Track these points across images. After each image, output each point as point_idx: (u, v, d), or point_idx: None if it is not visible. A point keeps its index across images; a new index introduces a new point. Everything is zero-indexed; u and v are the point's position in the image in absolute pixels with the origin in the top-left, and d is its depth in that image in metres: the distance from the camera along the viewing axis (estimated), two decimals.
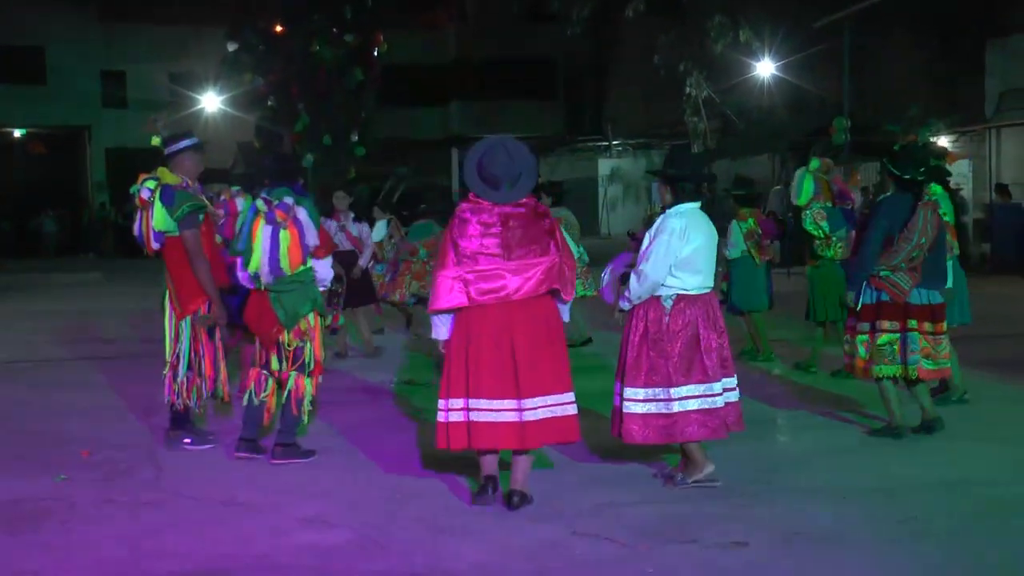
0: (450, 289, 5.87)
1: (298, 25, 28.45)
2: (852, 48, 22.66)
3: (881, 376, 7.41)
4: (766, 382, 10.04)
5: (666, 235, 6.18)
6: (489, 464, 6.07)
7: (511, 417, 5.85)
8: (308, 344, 7.10)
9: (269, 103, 29.06)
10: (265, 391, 7.12)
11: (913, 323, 7.29)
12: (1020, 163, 25.58)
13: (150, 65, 40.57)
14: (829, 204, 9.95)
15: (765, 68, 28.77)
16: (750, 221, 10.90)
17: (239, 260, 7.03)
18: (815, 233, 9.95)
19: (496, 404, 5.84)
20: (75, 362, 12.10)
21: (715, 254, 6.42)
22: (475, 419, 5.88)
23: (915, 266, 7.24)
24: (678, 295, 6.22)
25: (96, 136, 42.27)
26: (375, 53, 29.60)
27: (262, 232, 6.87)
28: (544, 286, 5.89)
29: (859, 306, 7.45)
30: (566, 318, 6.13)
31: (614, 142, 36.05)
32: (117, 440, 7.92)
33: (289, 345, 7.05)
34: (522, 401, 5.84)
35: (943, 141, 25.12)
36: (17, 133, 43.43)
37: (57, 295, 21.23)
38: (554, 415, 5.91)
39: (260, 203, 6.98)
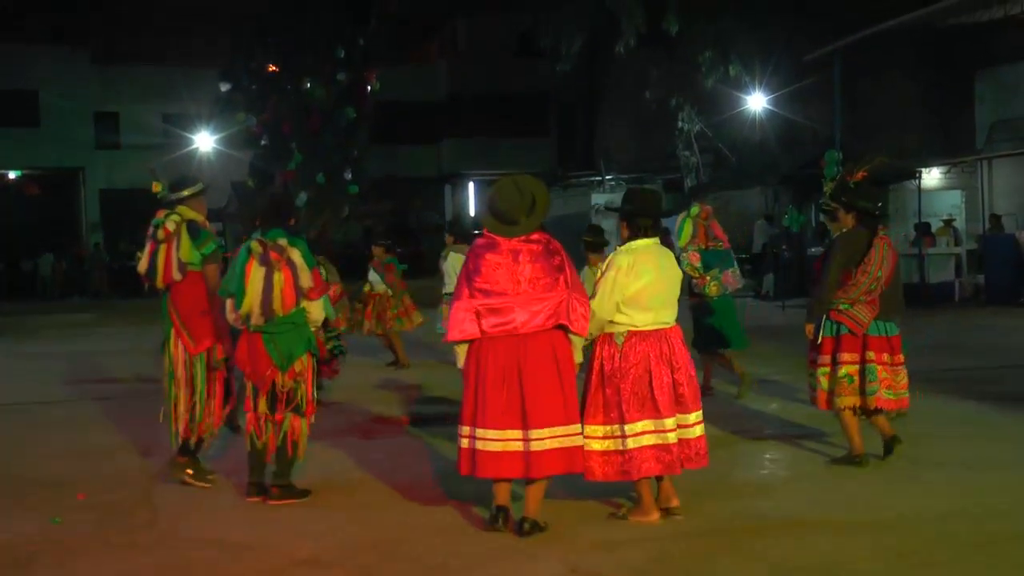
0: (463, 320, 6.04)
1: (290, 64, 28.57)
2: (843, 81, 22.78)
3: (842, 407, 7.53)
4: (741, 412, 10.02)
5: (612, 271, 6.28)
6: (502, 495, 6.14)
7: (516, 447, 5.96)
8: (301, 385, 7.11)
9: (262, 142, 29.14)
10: (266, 434, 7.11)
11: (871, 355, 7.45)
12: (1012, 193, 25.71)
13: (143, 106, 40.72)
14: (702, 247, 10.66)
15: (756, 102, 28.91)
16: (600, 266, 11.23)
17: (230, 302, 7.03)
18: (691, 273, 10.46)
19: (500, 435, 5.96)
20: (70, 403, 12.05)
21: (674, 289, 6.44)
22: (480, 448, 6.02)
23: (873, 299, 7.39)
24: (629, 331, 6.27)
25: (90, 177, 42.35)
26: (367, 91, 29.72)
27: (255, 274, 6.92)
28: (551, 320, 6.01)
29: (819, 339, 7.57)
30: (579, 359, 6.20)
31: (607, 176, 36.07)
32: (113, 481, 7.89)
33: (283, 386, 7.05)
34: (528, 431, 5.95)
35: (935, 173, 25.26)
36: (12, 175, 43.53)
37: (51, 336, 21.17)
38: (561, 446, 6.02)
39: (254, 244, 7.00)
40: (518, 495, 6.28)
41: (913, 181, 23.46)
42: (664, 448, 6.20)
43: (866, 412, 7.59)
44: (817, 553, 5.77)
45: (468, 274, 6.11)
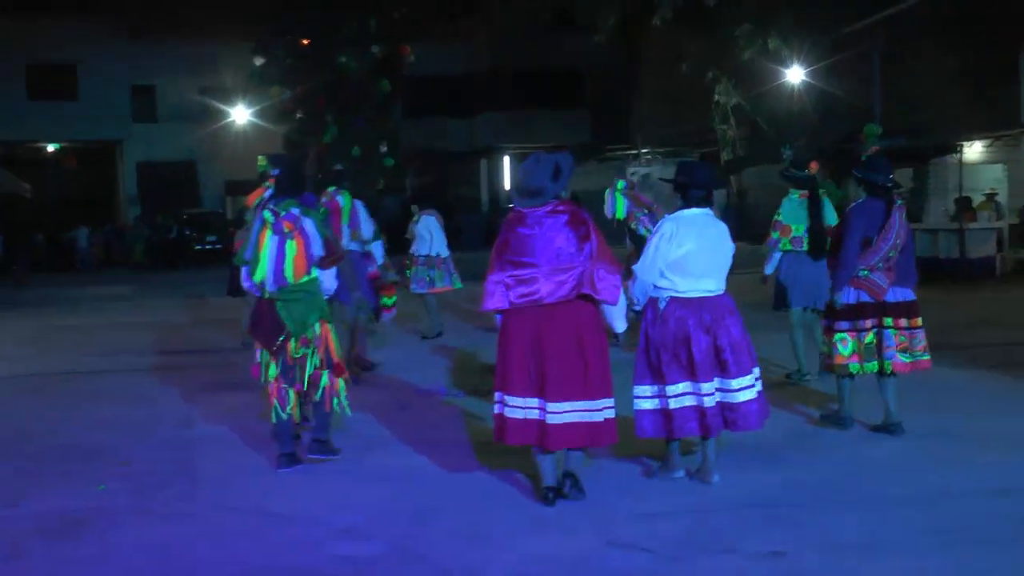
0: (493, 293, 6.18)
1: (325, 38, 28.54)
2: (883, 53, 22.55)
3: (855, 373, 7.79)
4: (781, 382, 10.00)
5: (656, 238, 6.53)
6: (549, 474, 6.24)
7: (535, 415, 6.10)
8: (316, 352, 7.18)
9: (297, 115, 29.17)
10: (289, 404, 7.19)
11: (888, 320, 7.66)
12: None
13: (180, 79, 40.91)
14: (646, 210, 11.77)
15: (794, 75, 28.68)
16: None
17: (245, 269, 7.21)
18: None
19: (523, 402, 6.11)
20: (112, 374, 12.18)
21: (720, 259, 6.58)
22: (507, 414, 6.18)
23: (890, 266, 7.62)
24: (671, 297, 6.49)
25: (127, 150, 42.62)
26: (402, 64, 29.66)
27: (268, 242, 7.08)
28: (575, 291, 6.08)
29: (839, 306, 7.77)
30: (621, 327, 6.37)
31: (643, 150, 35.96)
32: (155, 451, 8.01)
33: (296, 353, 7.13)
34: (546, 403, 6.07)
35: (976, 147, 25.00)
36: (50, 148, 43.87)
37: (91, 308, 21.40)
38: (581, 420, 6.08)
39: (267, 213, 7.14)
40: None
41: (954, 155, 23.24)
42: (702, 411, 6.42)
43: (882, 375, 7.79)
44: (859, 528, 5.76)
45: (499, 247, 6.24)
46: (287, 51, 29.22)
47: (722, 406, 6.48)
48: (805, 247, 9.82)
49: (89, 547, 5.79)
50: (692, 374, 6.40)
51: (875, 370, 7.72)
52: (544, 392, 6.06)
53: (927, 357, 7.84)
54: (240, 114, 37.21)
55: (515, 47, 41.25)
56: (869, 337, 7.68)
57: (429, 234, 13.85)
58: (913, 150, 25.38)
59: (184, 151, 41.46)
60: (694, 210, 6.58)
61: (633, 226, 11.89)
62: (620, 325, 6.34)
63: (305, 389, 7.19)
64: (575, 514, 6.08)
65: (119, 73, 41.28)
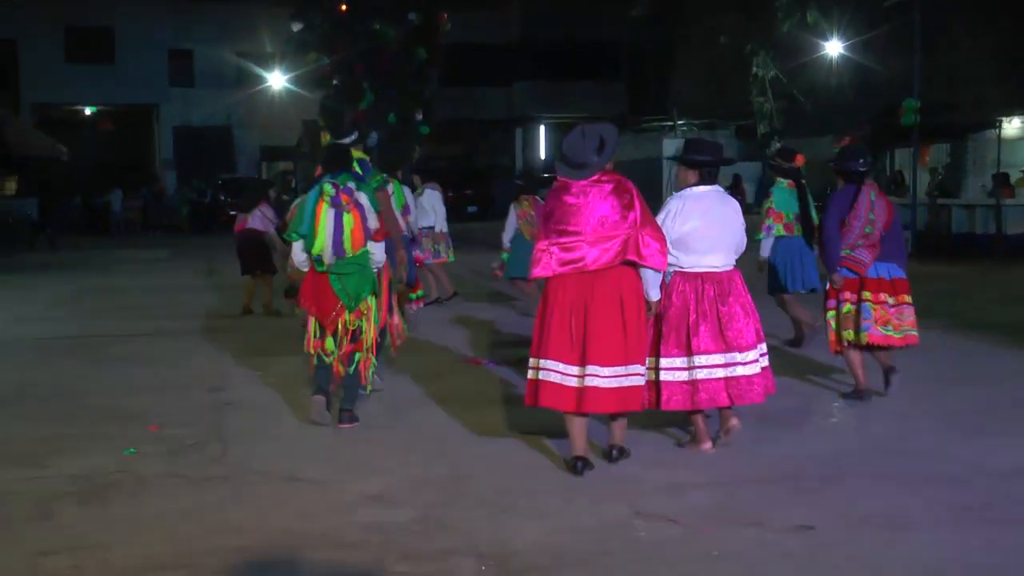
0: (539, 260, 6.29)
1: (362, 4, 28.47)
2: (923, 28, 22.24)
3: (845, 342, 8.10)
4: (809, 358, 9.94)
5: (661, 214, 6.66)
6: (580, 443, 6.29)
7: (572, 382, 6.16)
8: (366, 323, 7.49)
9: (334, 82, 29.12)
10: (331, 358, 7.50)
11: (867, 295, 7.99)
12: None
13: (217, 44, 40.93)
14: None
15: (833, 48, 28.38)
16: (524, 204, 12.85)
17: (298, 244, 7.44)
18: None
19: (561, 367, 6.18)
20: (145, 338, 12.25)
21: (726, 236, 6.69)
22: (543, 378, 6.24)
23: (872, 243, 7.91)
24: (675, 271, 6.66)
25: (164, 114, 42.74)
26: (439, 32, 29.56)
27: (326, 215, 7.28)
28: (620, 257, 6.16)
29: (837, 286, 8.08)
30: (655, 296, 6.36)
31: (679, 122, 35.75)
32: (184, 415, 8.04)
33: (351, 325, 7.43)
34: (585, 368, 6.13)
35: (1015, 122, 24.68)
36: (87, 111, 44.06)
37: (126, 271, 21.54)
38: (619, 385, 6.16)
39: (327, 186, 7.36)
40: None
41: (992, 130, 22.95)
42: (696, 383, 6.54)
43: (867, 347, 8.10)
44: (886, 503, 5.72)
45: (545, 216, 6.37)
46: (324, 17, 29.16)
47: (725, 380, 6.56)
48: (797, 231, 10.31)
49: (119, 509, 5.82)
50: (688, 348, 6.54)
51: (851, 337, 8.03)
52: (585, 357, 6.12)
53: (915, 332, 8.08)
54: (276, 80, 37.26)
55: (551, 16, 41.05)
56: (846, 307, 8.05)
57: (432, 209, 14.22)
58: (951, 126, 25.10)
59: (220, 116, 41.60)
60: (701, 187, 6.72)
61: None
62: (655, 294, 6.36)
63: (343, 363, 7.48)
64: (604, 484, 6.07)
65: (157, 37, 41.38)
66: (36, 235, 30.22)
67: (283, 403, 8.39)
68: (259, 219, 13.77)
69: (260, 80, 38.50)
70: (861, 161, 8.12)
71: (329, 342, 7.44)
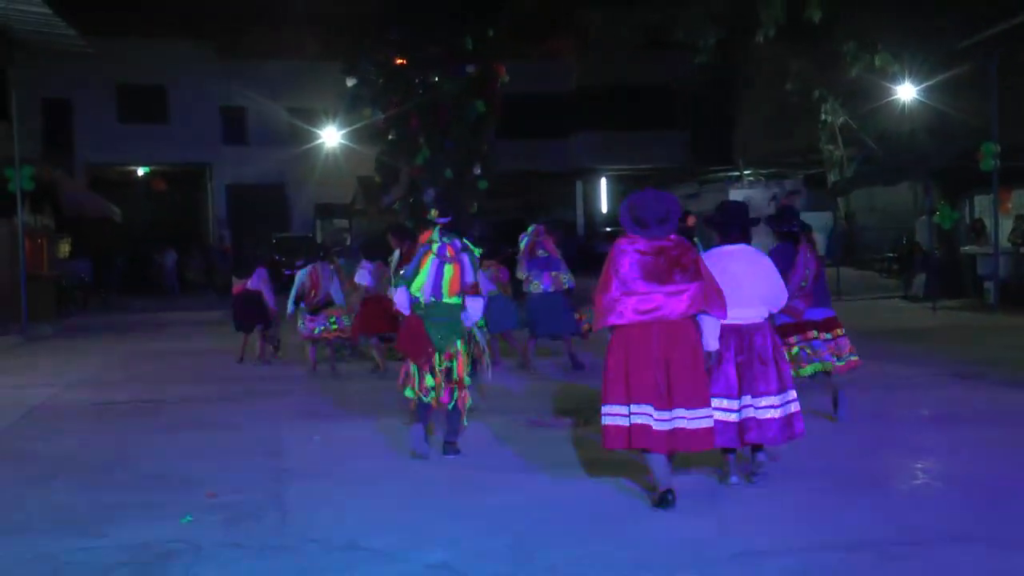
0: (612, 310, 6.97)
1: (417, 57, 28.74)
2: (1000, 67, 22.06)
3: (804, 375, 9.50)
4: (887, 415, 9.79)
5: None
6: (664, 479, 6.97)
7: (664, 426, 6.87)
8: (455, 366, 8.63)
9: (389, 137, 29.34)
10: (430, 397, 8.65)
11: (815, 332, 9.58)
12: None
13: (269, 101, 41.54)
14: (529, 258, 13.94)
15: (906, 92, 28.22)
16: (489, 271, 13.63)
17: (402, 288, 8.68)
18: (519, 275, 14.15)
19: (652, 411, 6.86)
20: (199, 402, 12.38)
21: (753, 289, 7.46)
22: (636, 422, 6.89)
23: (807, 293, 9.29)
24: None
25: (217, 173, 43.32)
26: (497, 84, 29.71)
27: (430, 263, 8.64)
28: (694, 307, 6.93)
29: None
30: (713, 346, 7.11)
31: (745, 172, 35.64)
32: (241, 482, 8.09)
33: (440, 365, 8.61)
34: (673, 411, 6.88)
35: None
36: (140, 171, 44.77)
37: (178, 333, 21.80)
38: (699, 427, 6.92)
39: (435, 244, 8.69)
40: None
41: None
42: (726, 424, 7.32)
43: (827, 374, 9.72)
44: (976, 571, 5.59)
45: (615, 269, 7.01)
46: (379, 71, 29.45)
47: (739, 423, 7.37)
48: None
49: None
50: (726, 392, 7.36)
51: (813, 372, 9.59)
52: (671, 401, 6.86)
53: (855, 357, 9.74)
54: (330, 136, 37.68)
55: (611, 64, 41.21)
56: (795, 350, 9.45)
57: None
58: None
59: (274, 174, 42.07)
60: (728, 246, 7.59)
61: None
62: (713, 344, 7.09)
63: (442, 398, 8.66)
64: (676, 550, 6.01)
65: (209, 95, 42.01)
66: (89, 297, 30.68)
67: (343, 468, 8.41)
68: (256, 281, 15.88)
69: (313, 136, 38.96)
70: (795, 223, 9.42)
71: (428, 379, 8.59)
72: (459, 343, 8.68)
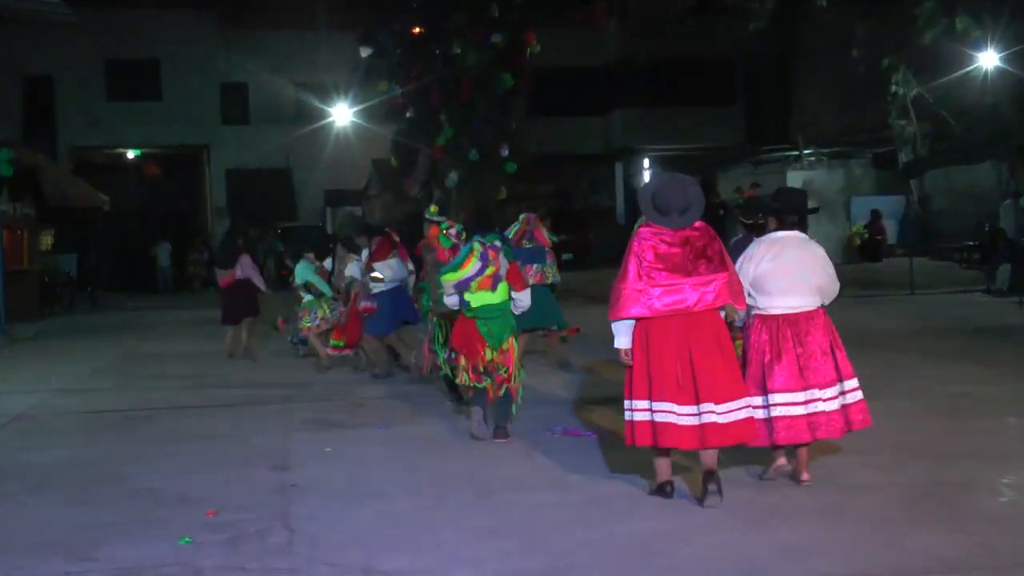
0: (635, 301, 7.39)
1: (439, 26, 28.69)
2: None
3: None
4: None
5: (740, 259, 7.97)
6: (664, 471, 7.60)
7: (691, 421, 7.29)
8: (506, 362, 9.85)
9: (407, 115, 29.30)
10: (484, 383, 9.88)
11: None
12: None
13: (273, 76, 41.30)
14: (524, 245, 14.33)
15: (988, 60, 28.03)
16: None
17: (456, 296, 9.89)
18: None
19: (677, 408, 7.30)
20: (197, 410, 12.46)
21: (803, 278, 7.83)
22: (659, 419, 7.36)
23: None
24: (755, 313, 7.92)
25: (216, 156, 43.29)
26: (526, 55, 29.62)
27: (472, 264, 9.77)
28: (719, 300, 7.42)
29: None
30: (740, 320, 7.71)
31: (805, 151, 35.47)
32: (245, 498, 8.15)
33: (496, 360, 9.80)
34: (700, 406, 7.29)
35: None
36: (131, 154, 44.77)
37: (176, 335, 21.91)
38: (734, 419, 7.36)
39: (476, 244, 9.89)
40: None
41: None
42: (772, 420, 7.69)
43: None
44: None
45: (637, 257, 7.44)
46: (396, 41, 29.40)
47: (806, 417, 7.69)
48: None
49: None
50: (764, 388, 7.72)
51: None
52: (698, 396, 7.28)
53: None
54: (341, 114, 37.51)
55: (655, 33, 41.00)
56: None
57: None
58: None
59: (278, 156, 41.99)
60: (780, 232, 7.96)
61: None
62: (740, 319, 7.70)
63: (495, 389, 9.85)
64: (735, 572, 6.01)
65: (207, 69, 41.96)
66: (76, 294, 30.89)
67: (356, 483, 8.46)
68: (245, 269, 16.95)
69: (323, 115, 38.77)
70: (760, 215, 9.26)
71: (482, 372, 9.81)
72: (513, 338, 9.96)
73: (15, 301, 22.80)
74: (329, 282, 15.67)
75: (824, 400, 7.73)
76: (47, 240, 32.77)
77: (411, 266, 14.25)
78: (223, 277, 17.24)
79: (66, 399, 13.52)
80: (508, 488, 8.21)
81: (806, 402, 7.70)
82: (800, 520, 7.06)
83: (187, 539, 7.05)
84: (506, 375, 9.86)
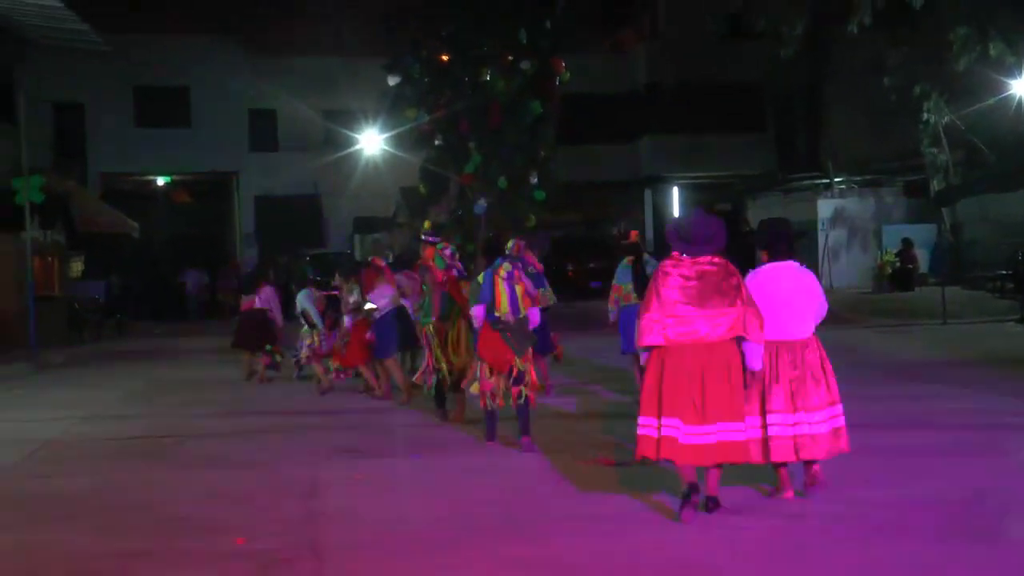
0: (652, 330, 7.94)
1: (467, 53, 28.74)
2: None
3: None
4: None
5: None
6: (689, 473, 7.90)
7: (694, 440, 7.78)
8: (527, 367, 10.86)
9: (436, 142, 29.34)
10: (498, 399, 10.92)
11: None
12: None
13: (302, 103, 41.37)
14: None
15: (1021, 87, 27.94)
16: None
17: (482, 306, 10.84)
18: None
19: (680, 424, 7.79)
20: (225, 437, 12.47)
21: (800, 306, 8.39)
22: (665, 434, 7.84)
23: None
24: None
25: (244, 182, 43.40)
26: (555, 82, 29.63)
27: (502, 286, 10.83)
28: (732, 332, 7.89)
29: None
30: (757, 365, 8.01)
31: (836, 179, 35.37)
32: (273, 526, 8.13)
33: (520, 368, 10.80)
34: (704, 427, 7.79)
35: None
36: (160, 181, 44.93)
37: (204, 362, 21.96)
38: (730, 439, 7.86)
39: (506, 265, 10.92)
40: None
41: None
42: (770, 439, 8.21)
43: None
44: None
45: (657, 289, 8.01)
46: (424, 68, 29.46)
47: (793, 438, 8.20)
48: (635, 300, 12.59)
49: None
50: (763, 410, 8.23)
51: None
52: (704, 418, 7.77)
53: None
54: (370, 141, 37.58)
55: (684, 59, 40.98)
56: None
57: None
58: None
59: (307, 183, 42.08)
60: (775, 264, 8.46)
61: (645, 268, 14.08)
62: (757, 364, 7.98)
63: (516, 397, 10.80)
64: None
65: (235, 96, 42.06)
66: (104, 321, 31.04)
67: (385, 510, 8.44)
68: (264, 299, 17.99)
69: (351, 142, 38.82)
70: (641, 254, 10.67)
71: (501, 381, 10.82)
72: (531, 348, 11.11)
73: (44, 328, 22.92)
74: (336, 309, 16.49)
75: (810, 424, 8.24)
76: (77, 267, 32.96)
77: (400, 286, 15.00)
78: (246, 302, 18.54)
79: (94, 426, 13.56)
80: (542, 518, 8.17)
81: (795, 424, 8.23)
82: (826, 552, 6.99)
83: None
84: (527, 383, 10.80)
